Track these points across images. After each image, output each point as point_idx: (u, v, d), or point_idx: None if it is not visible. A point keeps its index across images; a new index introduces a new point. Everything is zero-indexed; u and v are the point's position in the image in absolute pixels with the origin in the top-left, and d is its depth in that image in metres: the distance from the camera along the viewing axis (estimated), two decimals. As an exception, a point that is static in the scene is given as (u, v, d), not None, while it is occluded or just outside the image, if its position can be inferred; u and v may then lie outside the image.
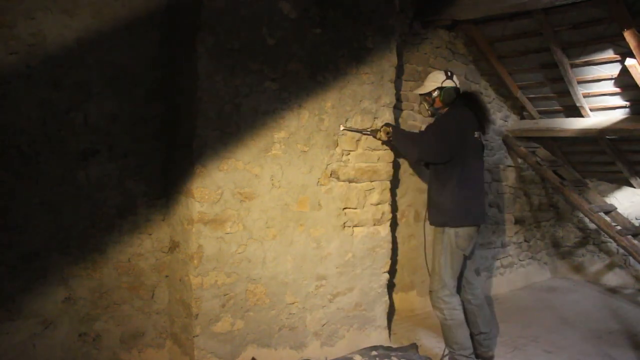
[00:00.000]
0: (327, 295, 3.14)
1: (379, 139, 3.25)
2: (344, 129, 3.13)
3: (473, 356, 3.12)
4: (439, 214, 3.14)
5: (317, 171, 3.05)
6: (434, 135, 3.11)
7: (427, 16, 4.12)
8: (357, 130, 3.18)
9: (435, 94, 3.19)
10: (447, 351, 3.16)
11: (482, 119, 3.18)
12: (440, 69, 3.47)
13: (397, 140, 3.21)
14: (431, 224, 3.22)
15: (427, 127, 3.27)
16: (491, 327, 3.38)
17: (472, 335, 3.31)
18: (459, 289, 3.26)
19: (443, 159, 3.07)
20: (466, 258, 3.18)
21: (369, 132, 3.23)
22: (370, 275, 3.33)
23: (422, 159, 3.24)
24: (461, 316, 3.08)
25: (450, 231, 3.07)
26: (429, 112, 3.32)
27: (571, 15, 3.74)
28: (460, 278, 3.25)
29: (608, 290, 5.18)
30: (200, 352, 2.70)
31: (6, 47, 2.47)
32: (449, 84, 3.17)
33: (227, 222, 2.74)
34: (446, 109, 3.22)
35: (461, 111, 3.15)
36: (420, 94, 3.33)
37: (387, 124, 3.25)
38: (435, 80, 3.20)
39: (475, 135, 3.13)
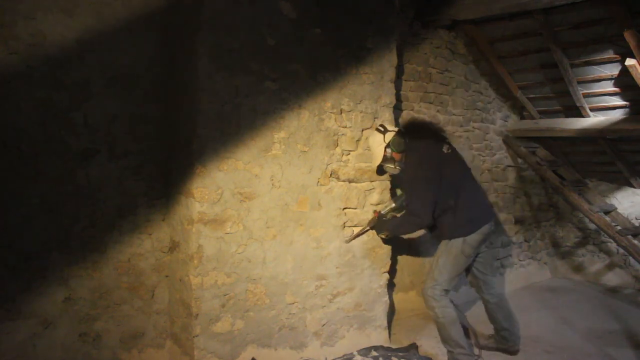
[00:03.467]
0: (327, 295, 3.14)
1: (380, 236, 3.31)
2: (348, 241, 3.21)
3: (471, 353, 3.15)
4: (443, 234, 3.17)
5: (317, 171, 3.05)
6: (418, 195, 3.06)
7: (427, 16, 4.12)
8: (359, 234, 3.23)
9: (388, 153, 3.14)
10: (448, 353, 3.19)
11: (437, 136, 3.20)
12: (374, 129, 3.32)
13: (393, 230, 3.21)
14: (440, 240, 3.23)
15: (406, 191, 3.23)
16: (513, 322, 3.45)
17: (496, 332, 3.44)
18: (477, 291, 3.39)
19: (433, 204, 3.04)
20: (472, 262, 3.23)
21: (369, 229, 3.25)
22: (370, 275, 3.33)
23: (425, 221, 3.10)
24: (453, 314, 3.10)
25: (459, 238, 3.10)
26: (398, 168, 3.21)
27: (571, 16, 3.74)
28: (477, 280, 3.38)
29: (608, 290, 5.18)
30: (200, 352, 2.70)
31: (6, 47, 2.47)
32: (390, 135, 3.13)
33: (227, 222, 2.74)
34: (407, 154, 3.16)
35: (418, 146, 3.16)
36: (379, 165, 3.22)
37: (376, 224, 3.24)
38: (379, 143, 3.15)
39: (444, 150, 3.14)
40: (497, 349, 3.46)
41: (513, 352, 3.42)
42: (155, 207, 2.95)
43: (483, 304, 3.46)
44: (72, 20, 2.64)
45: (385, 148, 3.13)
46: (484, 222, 3.14)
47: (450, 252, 3.10)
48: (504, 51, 4.51)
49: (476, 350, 3.41)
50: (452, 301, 3.16)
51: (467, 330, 3.45)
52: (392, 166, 3.20)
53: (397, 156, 3.16)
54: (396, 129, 3.19)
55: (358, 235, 3.21)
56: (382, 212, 3.28)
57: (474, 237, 3.08)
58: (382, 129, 3.17)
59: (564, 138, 4.96)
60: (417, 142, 3.19)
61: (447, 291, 3.12)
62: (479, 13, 3.93)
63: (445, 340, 3.13)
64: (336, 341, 3.20)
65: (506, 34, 4.28)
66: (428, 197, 3.03)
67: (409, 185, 3.15)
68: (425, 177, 3.05)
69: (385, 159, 3.16)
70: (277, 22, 2.84)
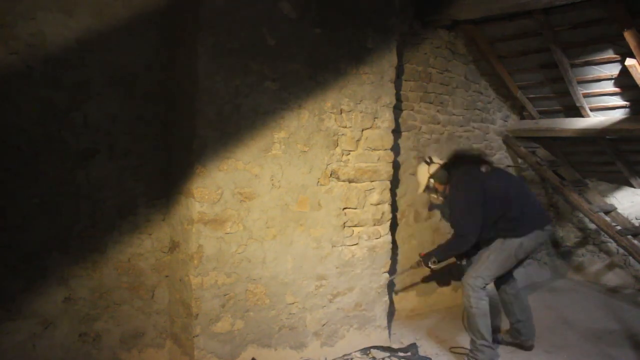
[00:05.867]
0: (327, 295, 3.14)
1: (430, 268, 3.55)
2: (391, 278, 3.47)
3: (492, 346, 3.22)
4: (498, 234, 3.28)
5: (317, 171, 3.05)
6: (460, 217, 3.26)
7: (427, 16, 4.12)
8: (403, 272, 3.59)
9: (430, 183, 3.45)
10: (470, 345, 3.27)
11: (478, 160, 3.44)
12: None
13: (443, 255, 3.42)
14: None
15: (451, 215, 3.44)
16: (528, 315, 3.51)
17: (510, 325, 3.52)
18: (497, 281, 3.44)
19: (480, 223, 3.19)
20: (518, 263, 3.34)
21: (415, 267, 3.58)
22: (370, 275, 3.33)
23: (473, 240, 3.28)
24: (486, 307, 3.19)
25: (516, 240, 3.19)
26: (440, 198, 3.53)
27: (571, 16, 3.74)
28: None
29: (608, 290, 5.18)
30: (200, 352, 2.70)
31: (6, 47, 2.47)
32: (433, 167, 3.43)
33: (227, 222, 2.74)
34: (449, 184, 3.41)
35: (459, 175, 3.38)
36: (424, 192, 3.55)
37: (422, 260, 3.50)
38: (423, 173, 3.47)
39: (483, 170, 3.34)
40: (513, 344, 3.53)
41: (528, 348, 3.48)
42: (155, 207, 2.95)
43: (499, 296, 3.53)
44: (72, 20, 2.63)
45: (429, 179, 3.44)
46: (538, 227, 3.24)
47: (502, 251, 3.22)
48: (504, 51, 4.51)
49: None
50: (487, 295, 3.24)
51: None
52: (435, 196, 3.53)
53: (439, 187, 3.45)
54: (440, 162, 3.46)
55: (402, 273, 3.44)
56: (426, 254, 3.54)
57: (530, 243, 3.20)
58: (428, 161, 3.48)
59: (564, 138, 4.95)
60: (457, 170, 3.43)
61: (486, 285, 3.21)
62: (479, 13, 3.93)
63: (471, 329, 3.22)
64: (336, 341, 3.20)
65: (506, 34, 4.28)
66: (470, 217, 3.20)
67: (452, 209, 3.38)
68: (465, 199, 3.25)
69: (428, 188, 3.48)
70: (277, 22, 2.84)
